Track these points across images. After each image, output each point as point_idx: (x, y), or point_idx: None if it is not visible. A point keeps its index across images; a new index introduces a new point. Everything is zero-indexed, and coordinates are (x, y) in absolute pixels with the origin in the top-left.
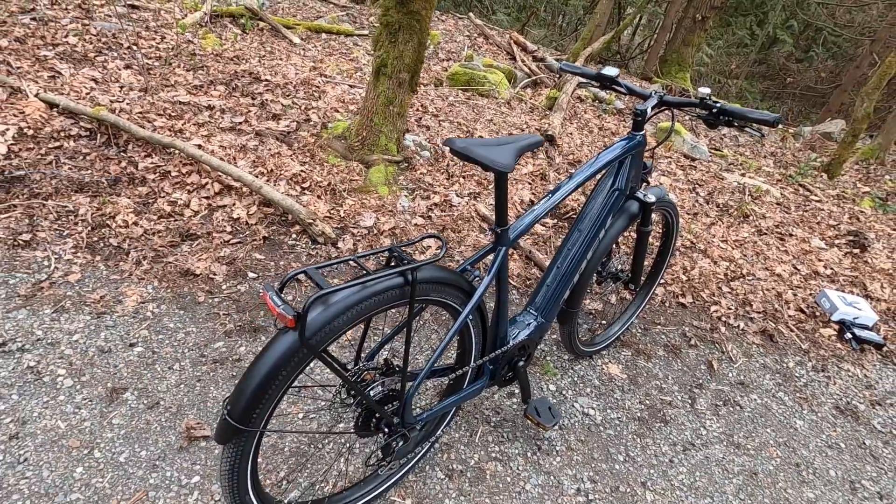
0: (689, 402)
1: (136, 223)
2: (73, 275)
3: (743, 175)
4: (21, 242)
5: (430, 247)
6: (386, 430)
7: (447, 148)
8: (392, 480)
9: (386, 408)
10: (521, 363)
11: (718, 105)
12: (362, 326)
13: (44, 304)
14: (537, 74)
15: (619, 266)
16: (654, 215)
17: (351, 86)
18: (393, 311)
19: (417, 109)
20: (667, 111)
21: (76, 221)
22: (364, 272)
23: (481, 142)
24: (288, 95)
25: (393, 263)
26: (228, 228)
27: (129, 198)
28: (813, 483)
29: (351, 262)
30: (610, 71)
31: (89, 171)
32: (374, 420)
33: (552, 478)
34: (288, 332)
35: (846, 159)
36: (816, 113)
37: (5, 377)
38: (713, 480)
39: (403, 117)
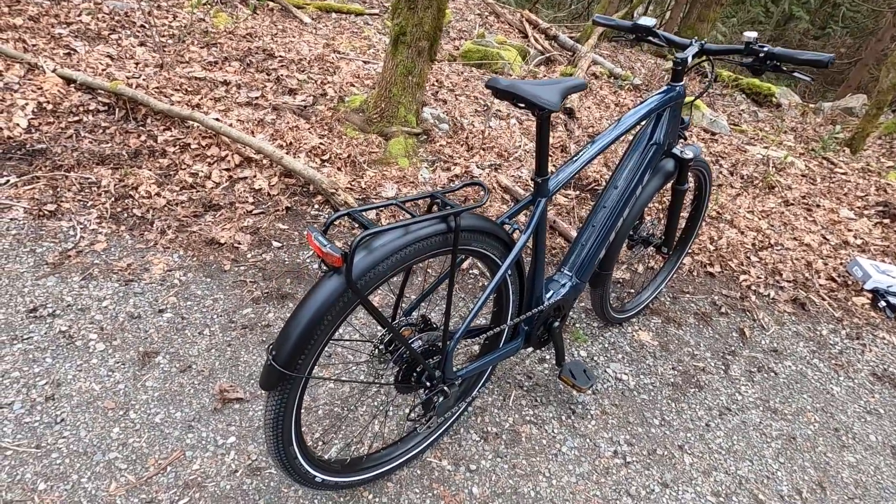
0: (723, 368)
1: (158, 194)
2: (99, 244)
3: (766, 148)
4: (46, 213)
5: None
6: (427, 384)
7: (489, 90)
8: (428, 441)
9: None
10: (556, 324)
11: (766, 49)
12: (400, 279)
13: (72, 272)
14: (550, 52)
15: (651, 229)
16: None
17: (365, 62)
18: (427, 265)
19: (433, 84)
20: (707, 60)
21: (99, 192)
22: (408, 216)
23: (526, 82)
24: (303, 71)
25: (435, 210)
26: (250, 199)
27: (150, 170)
28: (853, 447)
29: (393, 207)
30: (647, 21)
31: (109, 144)
32: (414, 374)
33: (588, 440)
34: (333, 276)
35: (869, 133)
36: (834, 89)
37: (38, 341)
38: (751, 444)
39: (422, 88)
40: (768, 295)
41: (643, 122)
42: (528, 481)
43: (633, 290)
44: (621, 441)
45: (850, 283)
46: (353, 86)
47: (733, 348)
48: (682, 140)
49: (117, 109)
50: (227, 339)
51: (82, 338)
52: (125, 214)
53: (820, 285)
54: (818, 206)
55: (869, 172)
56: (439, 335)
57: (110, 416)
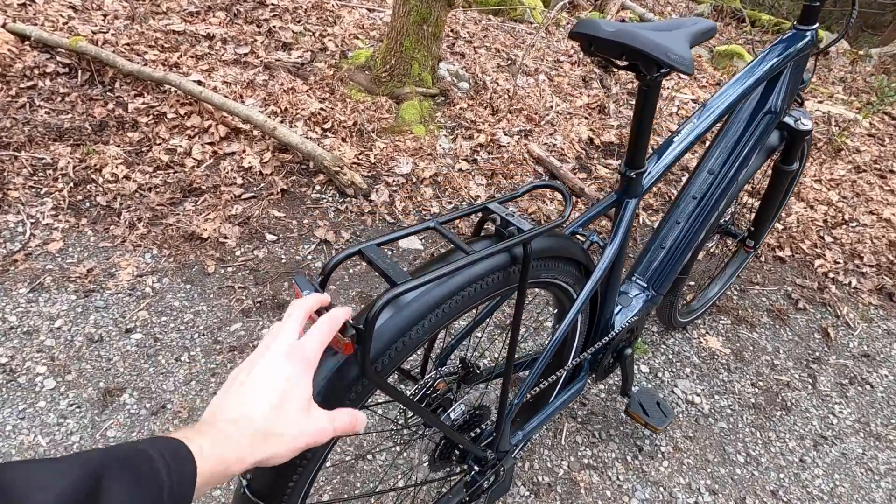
0: (810, 381)
1: (127, 177)
2: (53, 243)
3: (821, 102)
4: None
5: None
6: (475, 465)
7: (575, 40)
8: None
9: (472, 433)
10: (627, 350)
11: None
12: None
13: (17, 282)
14: None
15: (730, 217)
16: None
17: (370, 9)
18: None
19: (448, 35)
20: None
21: (55, 177)
22: (450, 246)
23: (635, 25)
24: (299, 21)
25: (489, 227)
26: (239, 181)
27: (118, 146)
28: None
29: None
30: None
31: (69, 116)
32: (456, 452)
33: (662, 490)
34: (337, 357)
35: None
36: (874, 33)
37: None
38: (857, 485)
39: (439, 39)
40: (849, 283)
41: (754, 88)
42: None
43: (692, 283)
44: (702, 488)
45: None
46: (357, 38)
47: (817, 354)
48: (797, 104)
49: (80, 72)
50: (212, 367)
51: (27, 372)
52: (86, 203)
53: None
54: (892, 171)
55: None
56: (486, 391)
57: None
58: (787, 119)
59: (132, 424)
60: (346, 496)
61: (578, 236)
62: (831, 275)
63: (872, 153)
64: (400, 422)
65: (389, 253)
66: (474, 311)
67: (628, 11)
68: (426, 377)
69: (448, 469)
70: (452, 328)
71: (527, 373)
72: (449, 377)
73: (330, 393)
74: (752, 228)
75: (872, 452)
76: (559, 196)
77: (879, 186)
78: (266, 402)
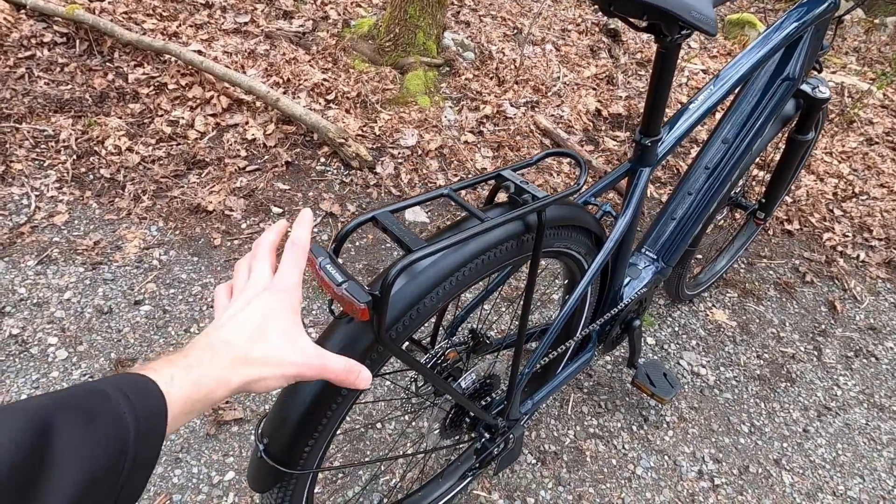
0: (815, 354)
1: (130, 149)
2: (59, 215)
3: (834, 73)
4: None
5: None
6: (485, 433)
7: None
8: (471, 476)
9: (483, 401)
10: (636, 321)
11: None
12: None
13: (25, 254)
14: None
15: (741, 188)
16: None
17: None
18: None
19: (452, 3)
20: None
21: (58, 149)
22: (464, 213)
23: None
24: None
25: (503, 196)
26: (243, 153)
27: (119, 117)
28: None
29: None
30: None
31: (69, 87)
32: (467, 420)
33: (666, 458)
34: (352, 324)
35: None
36: (889, 2)
37: None
38: (859, 454)
39: (444, 7)
40: (857, 257)
41: (772, 55)
42: None
43: (700, 256)
44: (706, 457)
45: None
46: (360, 6)
47: (823, 327)
48: (815, 71)
49: (78, 41)
50: None
51: (39, 343)
52: (90, 176)
53: None
54: None
55: None
56: (496, 360)
57: None
58: (804, 87)
59: None
60: (357, 462)
61: (591, 206)
62: (840, 248)
63: (885, 125)
64: (411, 390)
65: None
66: (485, 281)
67: None
68: (437, 347)
69: (458, 437)
70: (463, 298)
71: (535, 344)
72: (459, 347)
73: None
74: (763, 200)
75: (876, 423)
76: (566, 169)
77: (892, 159)
78: (247, 327)
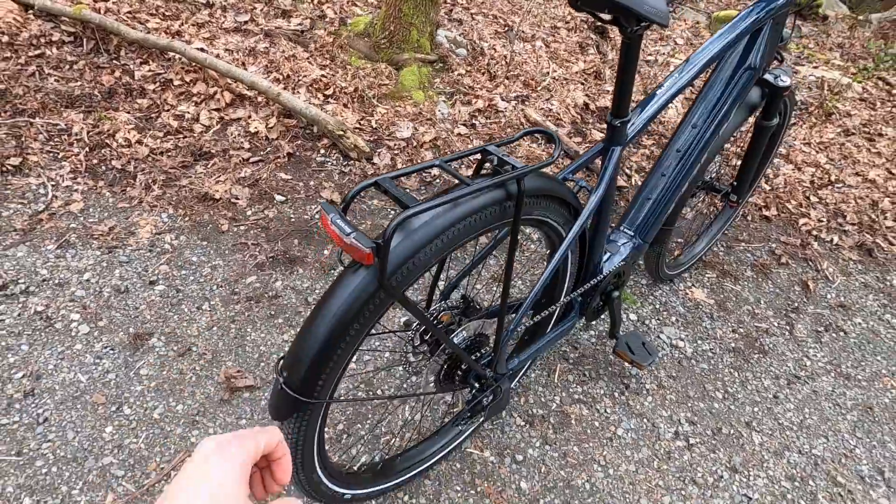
0: (788, 328)
1: (139, 142)
2: (74, 203)
3: (815, 68)
4: (10, 168)
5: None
6: (475, 384)
7: None
8: (470, 430)
9: (473, 356)
10: (615, 293)
11: None
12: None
13: (45, 239)
14: None
15: (716, 172)
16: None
17: None
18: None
19: (445, 1)
20: None
21: (71, 142)
22: (455, 182)
23: None
24: None
25: (488, 168)
26: (246, 145)
27: (128, 112)
28: None
29: (435, 170)
30: None
31: (79, 83)
32: (459, 372)
33: (645, 421)
34: (359, 272)
35: None
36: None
37: (11, 325)
38: (825, 417)
39: (437, 5)
40: (831, 241)
41: (734, 44)
42: (581, 472)
43: (680, 240)
44: (682, 420)
45: None
46: (356, 5)
47: (797, 304)
48: (777, 61)
49: (85, 40)
50: (231, 315)
51: (62, 319)
52: (103, 167)
53: (887, 228)
54: (881, 135)
55: None
56: (484, 321)
57: (101, 413)
58: (767, 76)
59: (162, 364)
60: (365, 397)
61: (569, 182)
62: (814, 232)
63: (863, 117)
64: (408, 348)
65: (383, 203)
66: (474, 251)
67: None
68: (431, 308)
69: (451, 388)
70: (455, 265)
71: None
72: (452, 310)
73: (350, 306)
74: (735, 183)
75: (841, 390)
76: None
77: (867, 149)
78: None
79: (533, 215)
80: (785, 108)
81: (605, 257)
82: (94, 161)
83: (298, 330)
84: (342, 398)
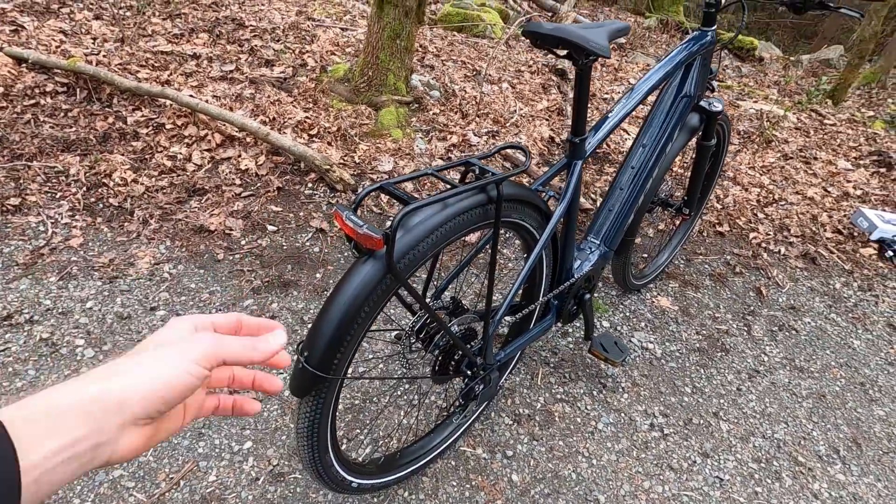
0: (746, 329)
1: (135, 181)
2: (74, 239)
3: (755, 102)
4: (10, 207)
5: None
6: (467, 372)
7: (526, 37)
8: (462, 428)
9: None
10: (587, 296)
11: None
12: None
13: (47, 272)
14: (530, 13)
15: (668, 191)
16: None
17: (343, 29)
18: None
19: (417, 50)
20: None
21: (68, 182)
22: (446, 187)
23: (571, 25)
24: (278, 41)
25: (470, 178)
26: (237, 181)
27: (122, 154)
28: (881, 401)
29: (428, 177)
30: None
31: (74, 129)
32: (452, 363)
33: (623, 415)
34: (368, 261)
35: (852, 83)
36: (806, 42)
37: (17, 352)
38: (784, 405)
39: (411, 52)
40: (779, 251)
41: (671, 75)
42: (567, 463)
43: (646, 255)
44: (656, 413)
45: (855, 234)
46: (335, 54)
47: (752, 308)
48: (709, 91)
49: (78, 90)
50: None
51: (67, 344)
52: (100, 205)
53: (827, 238)
54: (815, 158)
55: (855, 123)
56: (474, 317)
57: None
58: (702, 104)
59: None
60: (374, 376)
61: (540, 193)
62: (763, 245)
63: (799, 143)
64: (407, 333)
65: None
66: (460, 258)
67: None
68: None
69: (446, 378)
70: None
71: (497, 316)
72: (444, 308)
73: (362, 290)
74: (686, 198)
75: (797, 381)
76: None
77: (804, 171)
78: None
79: (511, 218)
80: (722, 131)
81: (576, 264)
82: (92, 199)
83: (315, 316)
84: (355, 376)
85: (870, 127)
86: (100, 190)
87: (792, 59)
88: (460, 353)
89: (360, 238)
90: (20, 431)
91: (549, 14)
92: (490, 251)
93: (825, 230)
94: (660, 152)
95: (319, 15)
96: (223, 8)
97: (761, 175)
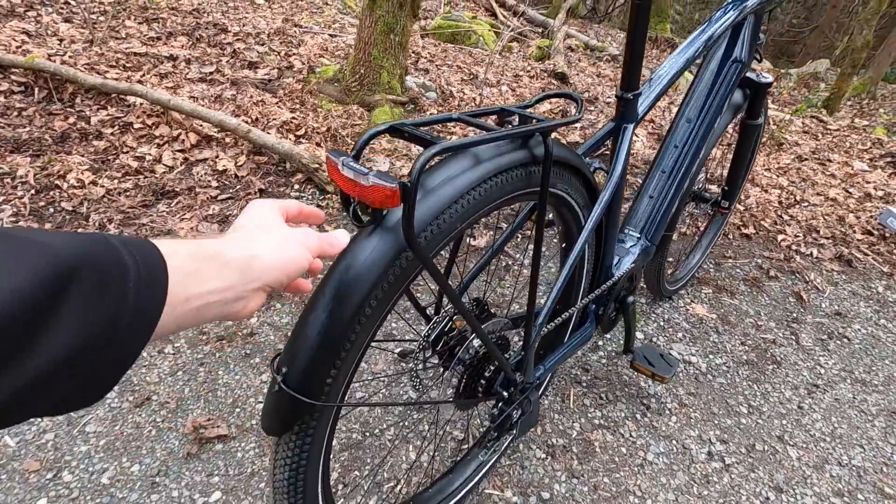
0: (793, 338)
1: (94, 182)
2: None
3: None
4: None
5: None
6: (503, 393)
7: None
8: (488, 465)
9: (493, 365)
10: (629, 298)
11: None
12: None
13: None
14: (521, 27)
15: (701, 181)
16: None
17: (332, 35)
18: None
19: (411, 54)
20: None
21: (14, 185)
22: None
23: None
24: (263, 44)
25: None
26: (214, 183)
27: (82, 155)
28: None
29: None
30: None
31: (27, 129)
32: (482, 382)
33: (675, 443)
34: (375, 233)
35: (845, 92)
36: (787, 59)
37: None
38: (854, 425)
39: (406, 48)
40: (811, 254)
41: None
42: None
43: (671, 259)
44: (712, 438)
45: (887, 235)
46: (323, 57)
47: (795, 315)
48: (756, 60)
49: (37, 89)
50: (199, 357)
51: None
52: (50, 209)
53: (858, 240)
54: (829, 160)
55: (855, 129)
56: (507, 323)
57: (33, 483)
58: (749, 75)
59: (114, 418)
60: (380, 402)
61: None
62: (794, 247)
63: (810, 146)
64: (417, 352)
65: None
66: (489, 245)
67: (573, 39)
68: (441, 312)
69: (473, 403)
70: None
71: (538, 320)
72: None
73: (364, 274)
74: (726, 188)
75: (862, 396)
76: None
77: (821, 172)
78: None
79: (557, 188)
80: (765, 107)
81: (615, 260)
82: (41, 203)
83: (300, 313)
84: (356, 403)
85: (871, 133)
86: (51, 193)
87: (783, 71)
88: (492, 368)
89: (366, 192)
90: (186, 266)
91: (540, 28)
92: (534, 232)
93: (855, 231)
94: (706, 128)
95: (307, 23)
96: (205, 14)
97: (778, 176)
